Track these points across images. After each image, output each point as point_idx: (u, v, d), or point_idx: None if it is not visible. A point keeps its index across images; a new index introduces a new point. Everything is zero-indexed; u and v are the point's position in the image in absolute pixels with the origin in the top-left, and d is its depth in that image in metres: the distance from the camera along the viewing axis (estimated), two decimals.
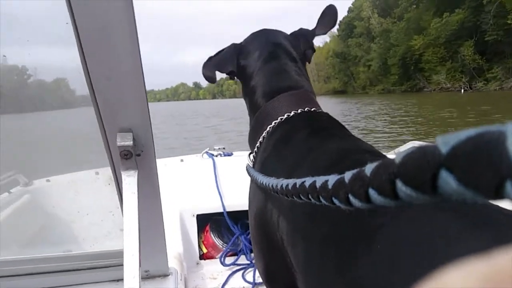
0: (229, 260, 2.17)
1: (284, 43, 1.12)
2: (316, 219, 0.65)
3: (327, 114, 0.99)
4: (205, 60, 1.13)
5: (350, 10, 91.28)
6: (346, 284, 0.52)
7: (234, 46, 1.14)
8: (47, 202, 1.66)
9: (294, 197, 0.40)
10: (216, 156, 2.75)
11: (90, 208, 1.15)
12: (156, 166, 0.84)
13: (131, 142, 0.74)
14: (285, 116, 0.96)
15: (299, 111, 0.96)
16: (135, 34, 0.64)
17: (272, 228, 0.84)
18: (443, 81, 54.00)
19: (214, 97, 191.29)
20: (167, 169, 2.61)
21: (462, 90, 48.72)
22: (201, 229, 2.49)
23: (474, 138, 0.17)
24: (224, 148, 2.90)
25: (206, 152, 2.81)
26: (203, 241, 2.49)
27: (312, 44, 1.17)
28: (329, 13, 1.15)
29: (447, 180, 0.18)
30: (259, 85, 1.06)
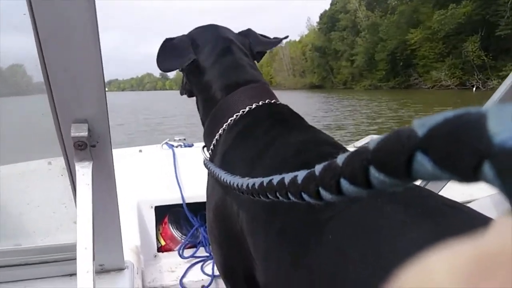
0: (187, 252, 2.16)
1: (235, 39, 1.12)
2: (274, 210, 0.66)
3: (287, 106, 1.01)
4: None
5: (333, 3, 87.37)
6: (300, 274, 0.54)
7: (186, 37, 1.12)
8: None
9: (261, 196, 0.39)
10: (176, 147, 2.72)
11: (42, 200, 1.11)
12: (112, 157, 0.82)
13: (86, 133, 0.72)
14: (247, 108, 0.96)
15: (260, 103, 0.96)
16: (95, 24, 0.62)
17: (232, 220, 0.84)
18: (443, 78, 49.75)
19: None
20: (125, 159, 2.55)
21: (474, 88, 43.31)
22: (159, 221, 2.45)
23: (452, 119, 0.17)
24: (184, 139, 2.87)
25: (166, 143, 2.77)
26: (161, 233, 2.46)
27: (264, 45, 1.18)
28: (274, 41, 1.19)
29: (422, 163, 0.18)
30: (215, 79, 1.05)
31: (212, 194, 0.96)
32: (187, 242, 2.22)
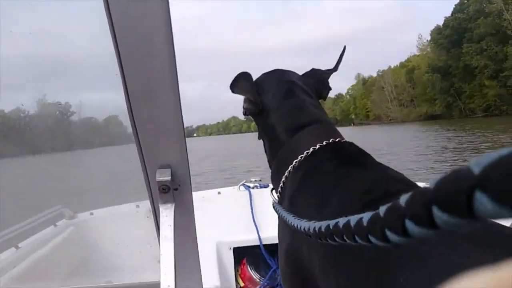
0: None
1: (297, 81, 1.15)
2: (343, 253, 0.65)
3: (353, 144, 1.00)
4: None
5: (458, 10, 68.75)
6: None
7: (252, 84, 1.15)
8: (90, 234, 1.73)
9: (328, 239, 0.39)
10: (253, 188, 2.77)
11: (130, 239, 1.20)
12: (192, 200, 0.88)
13: (169, 178, 0.78)
14: (311, 150, 0.96)
15: (324, 143, 0.97)
16: (176, 82, 0.70)
17: (303, 263, 0.84)
18: None
19: None
20: (205, 201, 2.66)
21: None
22: (238, 262, 2.48)
23: (506, 156, 0.17)
24: (260, 180, 2.92)
25: (243, 184, 2.84)
26: (240, 274, 2.48)
27: (328, 83, 1.20)
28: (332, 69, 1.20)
29: (482, 201, 0.17)
30: (279, 122, 1.08)
31: (283, 237, 0.97)
32: (265, 283, 2.21)
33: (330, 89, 1.21)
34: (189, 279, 1.01)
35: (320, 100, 1.19)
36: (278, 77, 1.17)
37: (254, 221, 2.50)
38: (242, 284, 2.32)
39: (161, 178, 0.78)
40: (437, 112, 71.19)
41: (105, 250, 1.24)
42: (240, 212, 2.55)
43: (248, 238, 2.45)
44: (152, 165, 0.79)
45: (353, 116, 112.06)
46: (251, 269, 2.44)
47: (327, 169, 0.91)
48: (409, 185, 0.78)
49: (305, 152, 0.97)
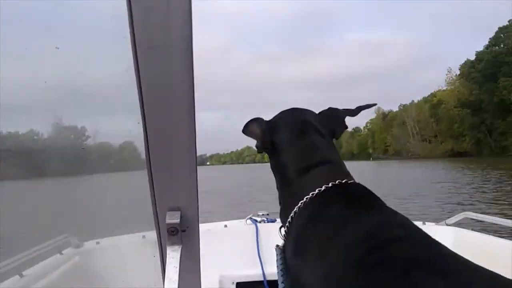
0: None
1: (311, 120, 1.17)
2: None
3: (361, 185, 1.01)
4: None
5: (493, 44, 66.66)
6: None
7: (265, 122, 1.18)
8: (95, 265, 1.72)
9: None
10: (260, 222, 2.76)
11: (134, 276, 1.19)
12: (199, 242, 0.88)
13: (179, 220, 0.79)
14: (316, 191, 0.97)
15: (330, 184, 0.97)
16: (193, 122, 0.72)
17: None
18: None
19: None
20: (211, 234, 2.64)
21: None
22: None
23: None
24: (268, 214, 2.90)
25: (250, 218, 2.82)
26: None
27: (344, 122, 1.21)
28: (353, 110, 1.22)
29: None
30: (290, 161, 1.09)
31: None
32: None
33: (346, 128, 1.23)
34: None
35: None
36: (293, 115, 1.20)
37: (259, 256, 2.47)
38: None
39: (170, 221, 0.79)
40: (465, 149, 68.31)
41: (110, 283, 1.23)
42: (245, 246, 2.53)
43: (252, 273, 2.42)
44: (162, 207, 0.80)
45: (371, 151, 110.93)
46: None
47: (332, 211, 0.92)
48: (413, 230, 0.79)
49: (310, 194, 0.98)
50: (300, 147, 1.10)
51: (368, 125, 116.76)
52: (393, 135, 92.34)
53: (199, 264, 0.93)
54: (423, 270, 0.66)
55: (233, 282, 2.39)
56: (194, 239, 0.87)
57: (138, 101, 0.67)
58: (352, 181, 1.02)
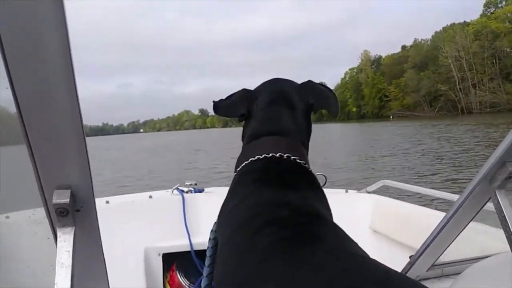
0: None
1: (287, 91, 1.16)
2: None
3: (294, 161, 0.98)
4: (214, 100, 1.20)
5: None
6: None
7: (245, 91, 1.20)
8: None
9: None
10: (187, 192, 2.71)
11: (32, 258, 1.10)
12: (97, 221, 0.81)
13: (68, 200, 0.71)
14: (249, 160, 0.99)
15: (262, 156, 0.97)
16: (74, 91, 0.62)
17: None
18: None
19: (225, 125, 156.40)
20: (135, 205, 2.56)
21: None
22: (167, 268, 2.42)
23: None
24: (195, 184, 2.85)
25: (177, 188, 2.76)
26: (168, 281, 2.42)
27: (322, 95, 1.20)
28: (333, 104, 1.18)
29: None
30: (249, 128, 1.11)
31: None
32: None
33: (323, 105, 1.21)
34: None
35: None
36: (270, 86, 1.21)
37: (186, 226, 2.44)
38: None
39: (58, 201, 0.71)
40: None
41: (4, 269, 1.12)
42: (171, 217, 2.48)
43: (179, 244, 2.40)
44: (48, 186, 0.72)
45: (354, 109, 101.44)
46: (180, 276, 2.40)
47: (246, 182, 0.95)
48: (298, 213, 0.81)
49: (249, 160, 0.99)
50: (263, 116, 1.11)
51: (347, 76, 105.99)
52: (402, 84, 74.62)
53: (101, 246, 0.86)
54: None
55: (159, 254, 2.35)
56: (91, 218, 0.79)
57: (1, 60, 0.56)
58: (289, 155, 0.98)
